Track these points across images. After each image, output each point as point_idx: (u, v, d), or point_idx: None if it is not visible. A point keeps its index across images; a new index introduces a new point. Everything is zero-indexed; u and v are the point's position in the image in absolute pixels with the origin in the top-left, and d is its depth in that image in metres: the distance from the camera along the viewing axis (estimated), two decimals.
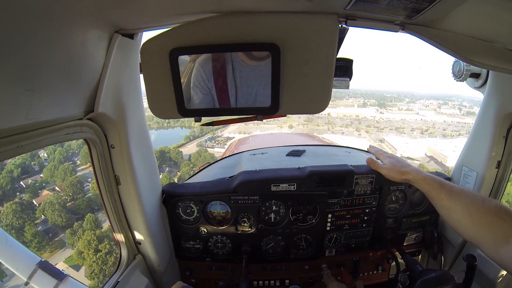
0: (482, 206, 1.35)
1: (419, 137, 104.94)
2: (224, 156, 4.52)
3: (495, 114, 2.08)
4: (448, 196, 1.48)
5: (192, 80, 1.35)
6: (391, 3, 1.10)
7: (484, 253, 1.32)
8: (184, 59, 1.32)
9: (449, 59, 1.81)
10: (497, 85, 2.03)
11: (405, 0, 1.07)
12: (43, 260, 1.60)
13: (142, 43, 1.37)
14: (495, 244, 1.25)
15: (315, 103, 1.42)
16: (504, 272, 2.07)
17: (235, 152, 4.40)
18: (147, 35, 1.44)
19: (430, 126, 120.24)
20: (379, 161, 1.95)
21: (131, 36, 1.49)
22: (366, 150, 3.36)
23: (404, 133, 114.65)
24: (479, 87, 2.19)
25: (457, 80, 2.17)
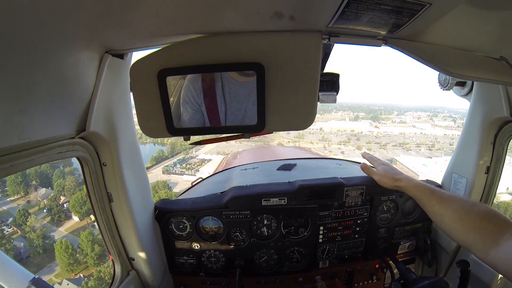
0: (472, 210, 1.40)
1: (433, 156, 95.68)
2: (216, 171, 4.53)
3: (482, 121, 2.12)
4: (439, 202, 1.54)
5: (182, 96, 1.37)
6: (372, 19, 1.14)
7: (475, 255, 1.36)
8: (175, 76, 1.34)
9: (434, 72, 1.86)
10: (482, 92, 2.08)
11: (385, 16, 1.10)
12: (36, 277, 1.59)
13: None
14: (485, 246, 1.29)
15: (301, 119, 1.45)
16: (499, 276, 2.08)
17: (228, 166, 4.41)
18: (137, 55, 1.47)
19: (434, 141, 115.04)
20: (373, 168, 2.01)
21: (121, 56, 1.51)
22: (357, 162, 3.40)
23: (411, 150, 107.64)
24: (465, 95, 2.24)
25: (443, 89, 2.22)
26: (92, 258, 38.04)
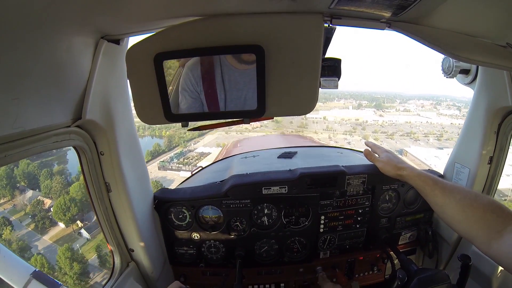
0: (475, 201, 1.39)
1: (443, 147, 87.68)
2: (216, 160, 4.51)
3: (485, 110, 2.09)
4: (442, 192, 1.52)
5: (181, 84, 1.34)
6: (376, 0, 1.10)
7: (477, 247, 1.34)
8: (172, 63, 1.31)
9: (435, 60, 1.83)
10: (487, 80, 2.04)
11: None
12: (37, 270, 1.59)
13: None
14: (488, 238, 1.28)
15: (302, 104, 1.42)
16: (500, 268, 2.07)
17: (228, 155, 4.39)
18: (133, 40, 1.44)
19: (442, 131, 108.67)
20: (376, 155, 1.99)
21: (117, 41, 1.48)
22: (359, 150, 3.37)
23: (419, 140, 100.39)
24: (469, 83, 2.21)
25: (447, 77, 2.18)
26: (71, 278, 34.44)
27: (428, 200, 1.62)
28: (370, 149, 2.01)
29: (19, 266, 1.59)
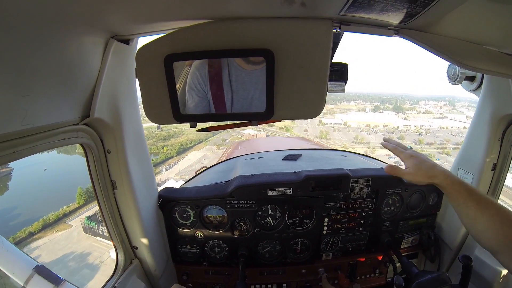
0: (508, 219, 1.34)
1: None
2: (220, 161, 4.52)
3: (490, 117, 2.09)
4: (476, 204, 1.43)
5: (188, 83, 1.35)
6: (385, 8, 1.11)
7: (499, 261, 1.32)
8: (180, 63, 1.32)
9: (440, 63, 1.78)
10: (492, 88, 2.05)
11: (398, 5, 1.07)
12: (39, 264, 1.59)
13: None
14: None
15: (309, 108, 1.42)
16: (501, 274, 2.07)
17: (232, 156, 4.40)
18: (143, 40, 1.45)
19: None
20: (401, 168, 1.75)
21: (126, 41, 1.50)
22: (364, 154, 3.37)
23: None
24: (474, 90, 2.21)
25: (452, 83, 2.19)
26: None
27: (457, 210, 1.51)
28: (392, 165, 1.72)
29: (22, 260, 1.59)
